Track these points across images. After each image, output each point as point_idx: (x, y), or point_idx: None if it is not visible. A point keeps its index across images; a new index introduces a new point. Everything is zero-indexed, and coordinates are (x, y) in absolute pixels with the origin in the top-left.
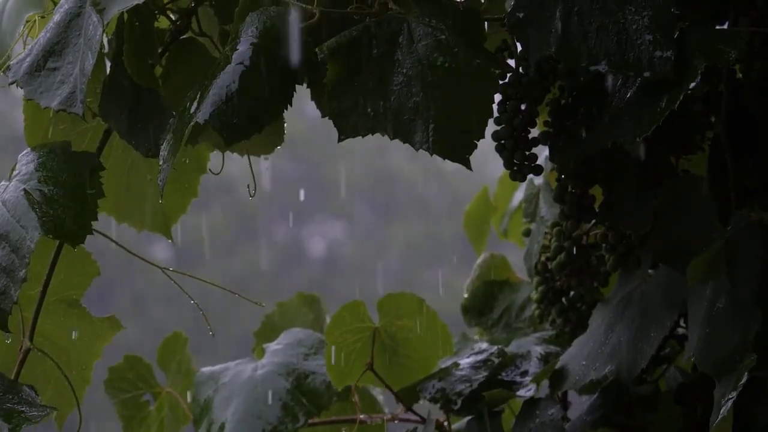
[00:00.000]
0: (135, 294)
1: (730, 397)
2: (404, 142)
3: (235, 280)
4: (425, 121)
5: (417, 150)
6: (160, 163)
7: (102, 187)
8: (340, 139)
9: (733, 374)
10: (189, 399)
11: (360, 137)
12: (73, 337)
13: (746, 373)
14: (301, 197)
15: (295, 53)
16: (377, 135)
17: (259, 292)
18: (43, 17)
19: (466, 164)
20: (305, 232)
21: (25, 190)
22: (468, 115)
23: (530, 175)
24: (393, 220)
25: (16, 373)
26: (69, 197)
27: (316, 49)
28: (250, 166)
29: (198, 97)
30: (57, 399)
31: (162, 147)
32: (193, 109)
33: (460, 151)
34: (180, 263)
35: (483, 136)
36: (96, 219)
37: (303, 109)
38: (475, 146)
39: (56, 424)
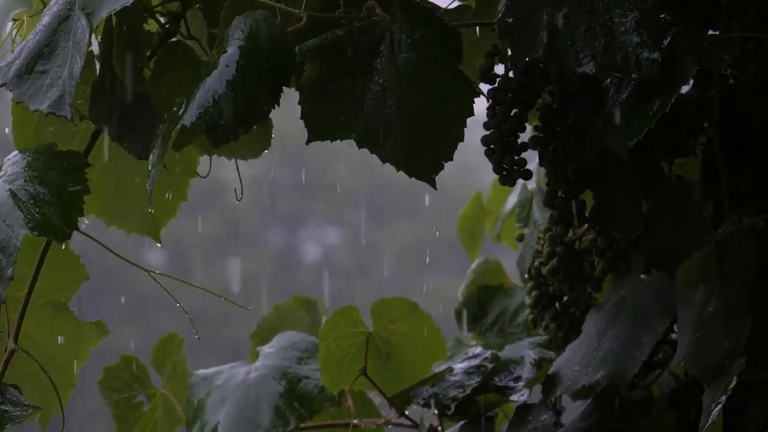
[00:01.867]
0: (132, 299)
1: (720, 401)
2: (371, 152)
3: (229, 286)
4: (395, 136)
5: (383, 162)
6: (149, 167)
7: (87, 183)
8: (308, 141)
9: (723, 379)
10: (185, 400)
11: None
12: (59, 341)
13: (735, 377)
14: (296, 202)
15: (281, 56)
16: None
17: (253, 296)
18: (31, 17)
19: (432, 184)
20: (300, 237)
21: (10, 190)
22: (439, 137)
23: (524, 180)
24: (387, 225)
25: (1, 374)
26: (55, 195)
27: (296, 48)
28: (237, 170)
29: (185, 101)
30: (43, 401)
31: (151, 152)
32: (180, 113)
33: (427, 170)
34: (175, 268)
35: (451, 159)
36: (82, 215)
37: (297, 114)
38: (442, 167)
39: (39, 426)
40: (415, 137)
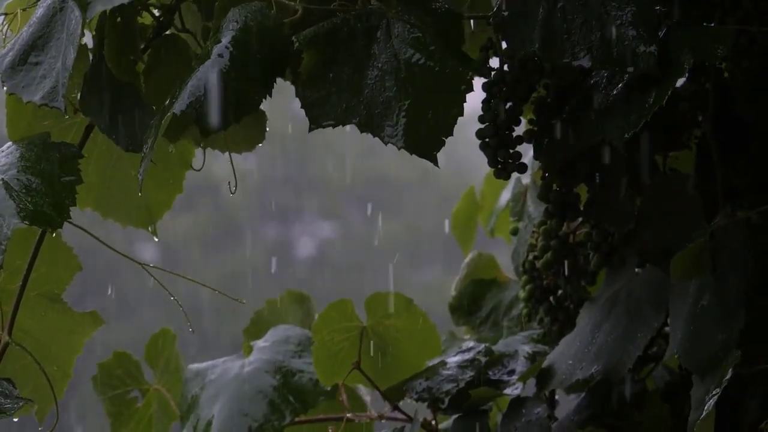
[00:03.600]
0: (126, 294)
1: (714, 393)
2: (374, 136)
3: (223, 280)
4: (396, 116)
5: (386, 144)
6: (142, 157)
7: (80, 173)
8: (311, 129)
9: (717, 371)
10: (179, 395)
11: (350, 135)
12: (54, 332)
13: (730, 370)
14: (289, 197)
15: (276, 48)
16: (367, 134)
17: (247, 291)
18: (24, 11)
19: (434, 161)
20: (294, 231)
21: (3, 180)
22: (438, 113)
23: (518, 174)
24: (382, 220)
25: None
26: (47, 185)
27: (293, 37)
28: (231, 163)
29: (177, 91)
30: (37, 393)
31: (144, 143)
32: (172, 103)
33: (428, 148)
34: (168, 263)
35: (452, 134)
36: (74, 204)
37: (291, 108)
38: (443, 143)
39: (36, 418)
40: (415, 116)
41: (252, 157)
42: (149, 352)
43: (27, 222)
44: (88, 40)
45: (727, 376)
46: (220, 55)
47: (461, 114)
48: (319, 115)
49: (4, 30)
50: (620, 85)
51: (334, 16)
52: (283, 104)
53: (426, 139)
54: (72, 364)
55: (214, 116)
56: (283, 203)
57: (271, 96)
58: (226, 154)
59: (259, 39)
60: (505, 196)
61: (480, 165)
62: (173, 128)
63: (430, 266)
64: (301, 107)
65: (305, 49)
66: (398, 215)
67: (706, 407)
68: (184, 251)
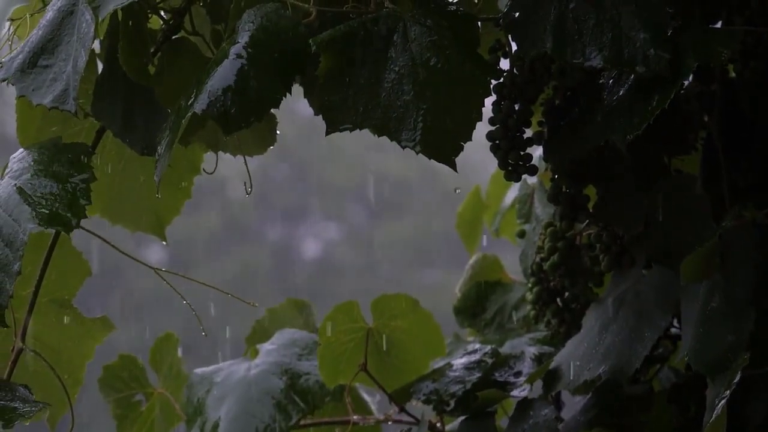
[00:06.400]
0: (130, 297)
1: (724, 395)
2: (391, 140)
3: (228, 283)
4: (414, 120)
5: (403, 148)
6: (156, 158)
7: (92, 170)
8: (327, 132)
9: (726, 373)
10: (184, 399)
11: (354, 135)
12: (65, 338)
13: (739, 372)
14: (294, 198)
15: (293, 48)
16: (370, 135)
17: (253, 294)
18: (32, 15)
19: (452, 166)
20: (299, 233)
21: (17, 185)
22: (457, 117)
23: (524, 176)
24: (386, 221)
25: (9, 373)
26: (61, 186)
27: (310, 41)
28: (246, 165)
29: (195, 92)
30: (49, 400)
31: (158, 144)
32: (189, 103)
33: (447, 152)
34: (173, 266)
35: (470, 139)
36: (89, 203)
37: (295, 109)
38: (462, 148)
39: (48, 425)
40: (433, 120)
41: (256, 158)
42: (154, 356)
43: (44, 226)
44: (95, 45)
45: (736, 379)
46: (239, 55)
47: (480, 118)
48: (336, 119)
49: (11, 35)
50: (625, 88)
51: (349, 18)
52: (287, 106)
53: (444, 143)
54: (83, 370)
55: (235, 115)
56: (287, 204)
57: (291, 94)
58: (228, 155)
59: (277, 39)
60: (511, 196)
61: (485, 164)
62: (186, 131)
63: (434, 267)
64: (318, 110)
65: (322, 52)
66: (403, 215)
67: (716, 409)
68: (189, 254)
